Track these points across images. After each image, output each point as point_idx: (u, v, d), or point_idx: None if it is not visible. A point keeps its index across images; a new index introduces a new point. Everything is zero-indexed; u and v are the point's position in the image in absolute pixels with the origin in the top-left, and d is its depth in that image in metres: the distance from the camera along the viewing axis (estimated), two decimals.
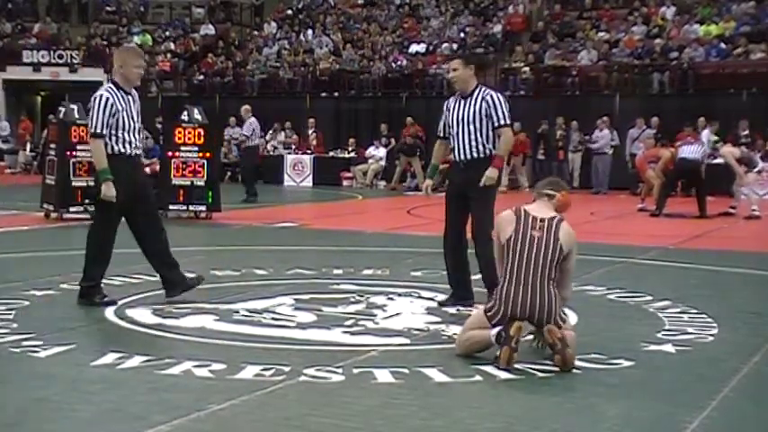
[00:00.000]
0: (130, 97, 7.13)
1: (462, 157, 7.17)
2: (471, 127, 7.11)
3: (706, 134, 20.64)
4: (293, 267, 8.96)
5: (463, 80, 7.19)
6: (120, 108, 6.99)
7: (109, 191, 6.85)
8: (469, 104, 7.14)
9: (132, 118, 7.09)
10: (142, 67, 7.28)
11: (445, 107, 7.37)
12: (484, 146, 7.12)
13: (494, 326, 5.39)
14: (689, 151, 16.13)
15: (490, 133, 7.13)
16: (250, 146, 18.81)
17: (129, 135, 7.04)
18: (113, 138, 6.98)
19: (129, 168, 7.07)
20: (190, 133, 14.19)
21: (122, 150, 7.01)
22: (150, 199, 7.40)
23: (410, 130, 23.69)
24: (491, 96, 7.14)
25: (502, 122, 7.12)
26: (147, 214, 7.25)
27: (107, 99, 6.95)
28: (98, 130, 6.91)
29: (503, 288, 5.42)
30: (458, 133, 7.17)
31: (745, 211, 15.43)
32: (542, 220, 5.48)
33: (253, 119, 18.61)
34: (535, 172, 22.57)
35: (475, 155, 7.12)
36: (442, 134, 7.44)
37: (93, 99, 6.98)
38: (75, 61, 30.84)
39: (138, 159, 7.33)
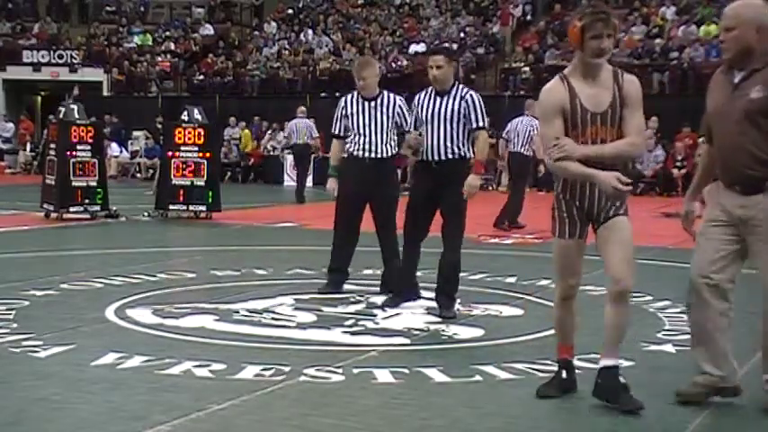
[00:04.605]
0: (368, 103, 7.68)
1: (436, 157, 6.75)
2: (448, 126, 6.70)
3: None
4: (293, 267, 8.95)
5: (446, 77, 6.79)
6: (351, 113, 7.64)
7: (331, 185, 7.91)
8: (447, 102, 6.73)
9: (364, 123, 7.63)
10: (361, 78, 7.63)
11: (417, 102, 6.91)
12: (459, 147, 6.75)
13: None
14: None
15: (466, 134, 6.78)
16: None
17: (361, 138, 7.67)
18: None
19: (357, 169, 7.71)
20: (190, 133, 14.19)
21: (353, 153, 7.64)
22: (377, 201, 8.01)
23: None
24: (471, 96, 6.77)
25: (480, 125, 6.77)
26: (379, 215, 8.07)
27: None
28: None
29: None
30: (432, 132, 6.72)
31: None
32: None
33: (293, 121, 19.12)
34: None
35: (450, 156, 6.73)
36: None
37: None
38: (75, 61, 30.85)
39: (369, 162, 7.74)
